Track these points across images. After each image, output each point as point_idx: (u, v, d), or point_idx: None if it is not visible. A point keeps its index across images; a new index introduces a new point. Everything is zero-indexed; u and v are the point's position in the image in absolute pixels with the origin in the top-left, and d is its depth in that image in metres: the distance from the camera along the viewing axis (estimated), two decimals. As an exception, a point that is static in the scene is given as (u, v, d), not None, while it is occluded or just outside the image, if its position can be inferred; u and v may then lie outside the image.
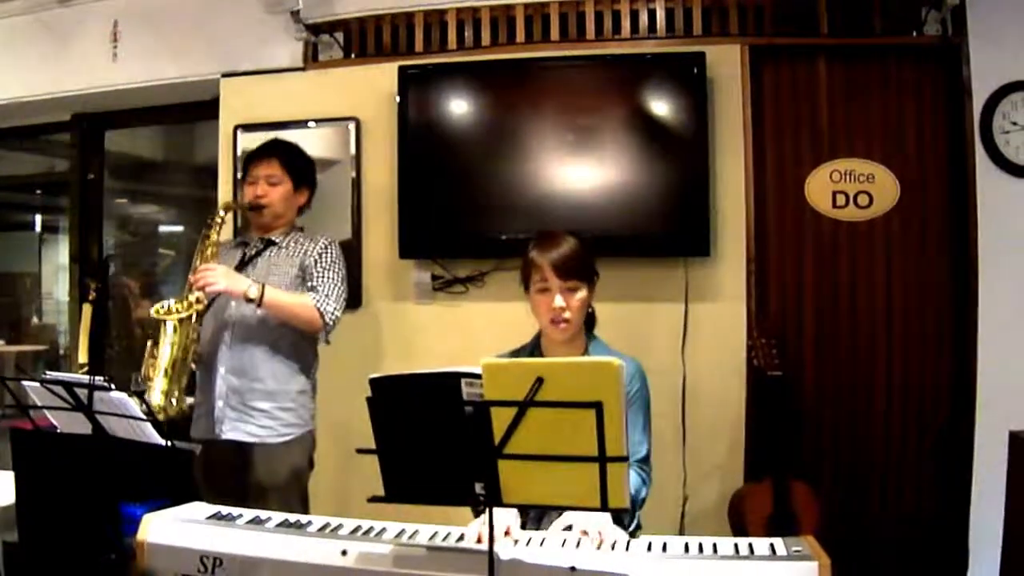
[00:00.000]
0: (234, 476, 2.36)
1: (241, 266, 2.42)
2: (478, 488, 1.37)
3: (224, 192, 3.23)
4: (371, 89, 3.08)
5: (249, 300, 2.25)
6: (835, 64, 2.88)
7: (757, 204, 2.85)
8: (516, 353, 2.00)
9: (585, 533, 1.56)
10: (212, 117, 3.30)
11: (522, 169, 2.88)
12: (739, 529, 2.56)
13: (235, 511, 1.75)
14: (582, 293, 1.92)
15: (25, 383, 2.03)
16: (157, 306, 2.28)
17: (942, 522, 2.77)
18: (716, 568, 1.40)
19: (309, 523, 1.66)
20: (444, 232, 2.96)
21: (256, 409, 2.35)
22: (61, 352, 4.60)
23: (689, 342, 2.84)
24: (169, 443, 1.94)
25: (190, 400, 2.38)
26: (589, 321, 2.01)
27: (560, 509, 1.68)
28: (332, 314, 2.36)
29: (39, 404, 2.01)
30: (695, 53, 2.81)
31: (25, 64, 3.54)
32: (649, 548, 1.50)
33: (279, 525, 1.66)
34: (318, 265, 2.41)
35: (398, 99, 2.97)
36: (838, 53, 2.87)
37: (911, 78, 2.85)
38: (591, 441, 1.27)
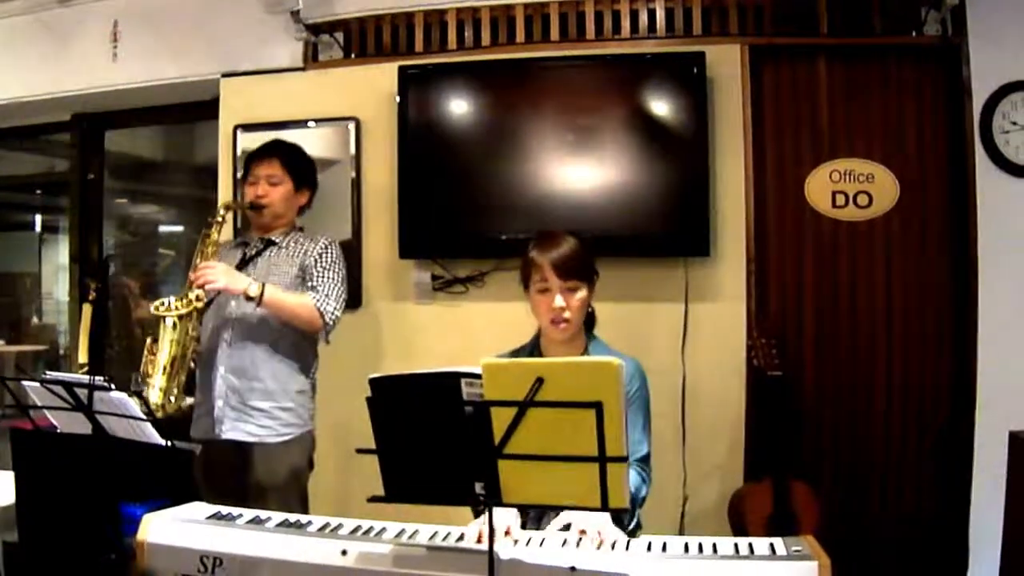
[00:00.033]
0: (233, 476, 2.36)
1: (241, 266, 2.42)
2: (478, 488, 1.37)
3: (224, 192, 3.23)
4: (371, 89, 3.08)
5: (249, 298, 2.25)
6: (835, 64, 2.88)
7: (757, 204, 2.85)
8: (516, 353, 2.00)
9: (584, 532, 1.56)
10: (212, 117, 3.31)
11: (522, 169, 2.88)
12: (739, 529, 2.56)
13: (235, 511, 1.75)
14: (582, 293, 1.92)
15: (25, 383, 2.03)
16: (157, 303, 2.27)
17: (942, 522, 2.77)
18: (716, 568, 1.40)
19: (309, 523, 1.67)
20: (444, 232, 2.96)
21: (255, 409, 2.35)
22: (61, 352, 4.60)
23: (689, 342, 2.84)
24: (169, 443, 1.94)
25: (190, 400, 2.38)
26: (589, 321, 2.01)
27: (560, 509, 1.68)
28: (332, 314, 2.36)
29: (39, 404, 2.01)
30: (695, 53, 2.81)
31: (25, 64, 3.54)
32: (649, 548, 1.50)
33: (279, 525, 1.66)
34: (318, 265, 2.41)
35: (398, 99, 2.97)
36: (838, 53, 2.88)
37: (911, 78, 2.86)
38: (591, 441, 1.27)
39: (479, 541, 1.54)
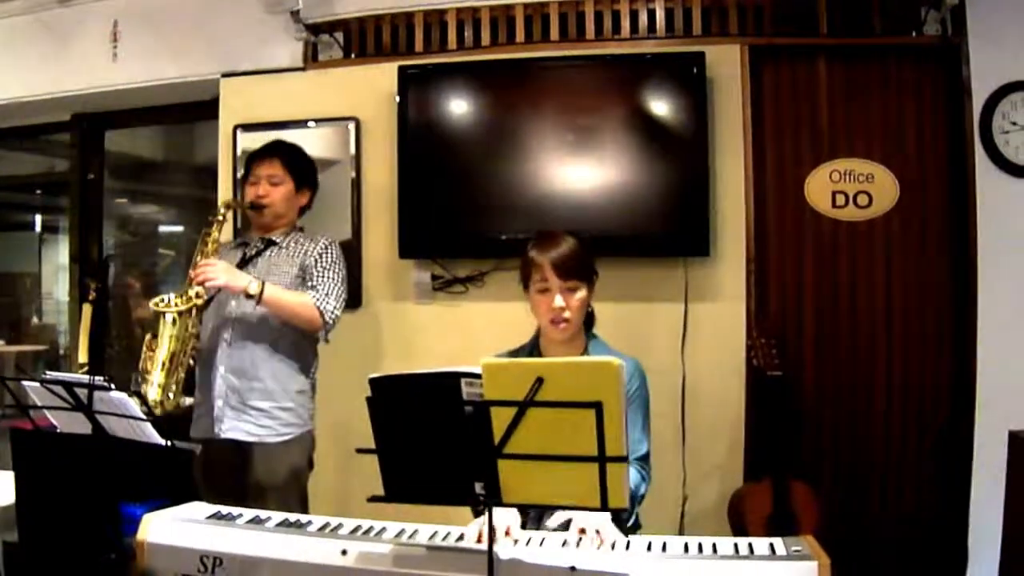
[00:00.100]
0: (233, 475, 2.36)
1: (241, 266, 2.41)
2: (478, 488, 1.37)
3: (224, 192, 3.23)
4: (371, 89, 3.08)
5: (249, 296, 2.25)
6: (835, 64, 2.88)
7: (757, 204, 2.85)
8: (515, 353, 2.00)
9: (583, 531, 1.56)
10: (212, 117, 3.30)
11: (522, 169, 2.88)
12: (739, 529, 2.56)
13: (235, 511, 1.75)
14: (582, 293, 1.92)
15: (25, 383, 2.03)
16: (156, 299, 2.27)
17: (942, 522, 2.77)
18: (716, 568, 1.40)
19: (309, 523, 1.67)
20: (444, 232, 2.96)
21: (255, 408, 2.35)
22: (61, 352, 4.60)
23: (689, 342, 2.84)
24: (169, 443, 1.94)
25: (189, 400, 2.38)
26: (588, 320, 2.01)
27: (560, 509, 1.68)
28: (332, 313, 2.37)
29: (39, 404, 2.01)
30: (695, 53, 2.81)
31: (25, 64, 3.54)
32: (649, 548, 1.50)
33: (279, 525, 1.66)
34: (318, 265, 2.41)
35: (398, 99, 2.97)
36: (838, 53, 2.87)
37: (911, 78, 2.86)
38: (591, 441, 1.27)
39: (479, 541, 1.54)
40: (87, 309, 2.82)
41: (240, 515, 1.72)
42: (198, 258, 2.33)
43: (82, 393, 1.89)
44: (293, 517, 1.71)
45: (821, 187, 2.87)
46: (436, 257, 3.01)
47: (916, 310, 2.83)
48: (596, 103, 2.86)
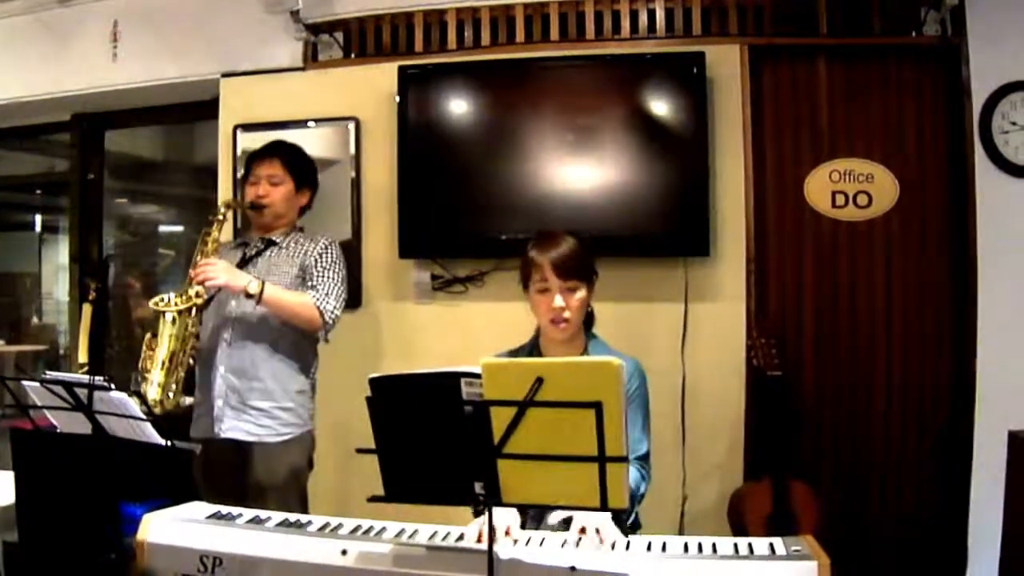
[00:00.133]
0: (233, 475, 2.36)
1: (241, 266, 2.41)
2: (478, 488, 1.37)
3: (224, 192, 3.23)
4: (371, 89, 3.08)
5: (249, 296, 2.25)
6: (835, 64, 2.88)
7: (757, 204, 2.85)
8: (515, 353, 2.01)
9: (583, 531, 1.56)
10: (212, 117, 3.30)
11: (522, 169, 2.88)
12: (738, 529, 2.56)
13: (235, 511, 1.75)
14: (581, 293, 1.92)
15: (25, 383, 2.03)
16: (156, 299, 2.27)
17: (942, 522, 2.77)
18: (716, 568, 1.40)
19: (309, 523, 1.67)
20: (444, 232, 2.96)
21: (255, 408, 2.35)
22: (61, 352, 4.60)
23: (689, 342, 2.84)
24: (169, 443, 1.95)
25: (189, 400, 2.38)
26: (588, 320, 2.01)
27: (560, 509, 1.68)
28: (332, 313, 2.37)
29: (39, 404, 2.01)
30: (695, 53, 2.81)
31: (25, 64, 3.54)
32: (649, 548, 1.50)
33: (279, 525, 1.66)
34: (318, 265, 2.41)
35: (398, 99, 2.97)
36: (838, 53, 2.87)
37: (911, 78, 2.86)
38: (591, 441, 1.27)
39: (479, 541, 1.54)
40: (87, 309, 2.83)
41: (240, 515, 1.72)
42: (198, 258, 2.33)
43: (82, 393, 1.89)
44: (293, 517, 1.72)
45: (821, 187, 2.87)
46: (436, 257, 3.01)
47: (916, 310, 2.83)
48: (596, 103, 2.86)
